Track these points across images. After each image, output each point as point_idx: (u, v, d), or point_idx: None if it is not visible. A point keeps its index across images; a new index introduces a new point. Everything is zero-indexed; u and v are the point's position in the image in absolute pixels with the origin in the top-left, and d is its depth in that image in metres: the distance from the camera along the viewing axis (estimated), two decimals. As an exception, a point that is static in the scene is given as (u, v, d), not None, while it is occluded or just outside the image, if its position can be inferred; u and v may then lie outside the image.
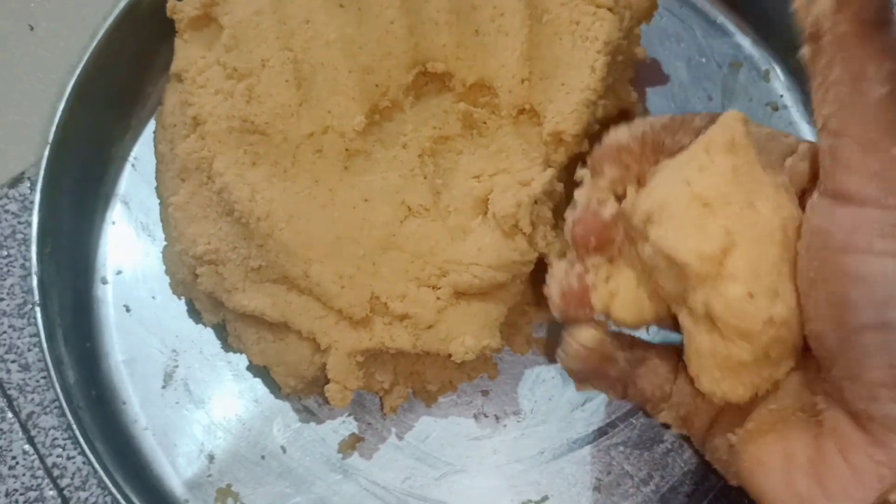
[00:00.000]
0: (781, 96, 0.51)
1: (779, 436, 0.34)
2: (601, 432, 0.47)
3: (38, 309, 0.44)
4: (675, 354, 0.38)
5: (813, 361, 0.33)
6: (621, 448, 0.47)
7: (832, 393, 0.32)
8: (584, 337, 0.37)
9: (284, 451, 0.46)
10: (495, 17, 0.41)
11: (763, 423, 0.35)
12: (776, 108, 0.51)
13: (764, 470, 0.34)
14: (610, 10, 0.40)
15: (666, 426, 0.40)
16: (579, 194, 0.37)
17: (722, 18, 0.52)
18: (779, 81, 0.52)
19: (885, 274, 0.29)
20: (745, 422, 0.35)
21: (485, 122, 0.42)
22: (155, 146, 0.47)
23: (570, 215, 0.37)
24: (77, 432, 0.43)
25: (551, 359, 0.47)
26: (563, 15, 0.41)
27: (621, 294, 0.36)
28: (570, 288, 0.36)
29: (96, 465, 0.43)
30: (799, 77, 0.51)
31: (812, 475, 0.32)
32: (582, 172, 0.38)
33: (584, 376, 0.39)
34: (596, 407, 0.47)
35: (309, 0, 0.41)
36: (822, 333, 0.31)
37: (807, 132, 0.51)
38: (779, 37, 0.51)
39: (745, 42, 0.52)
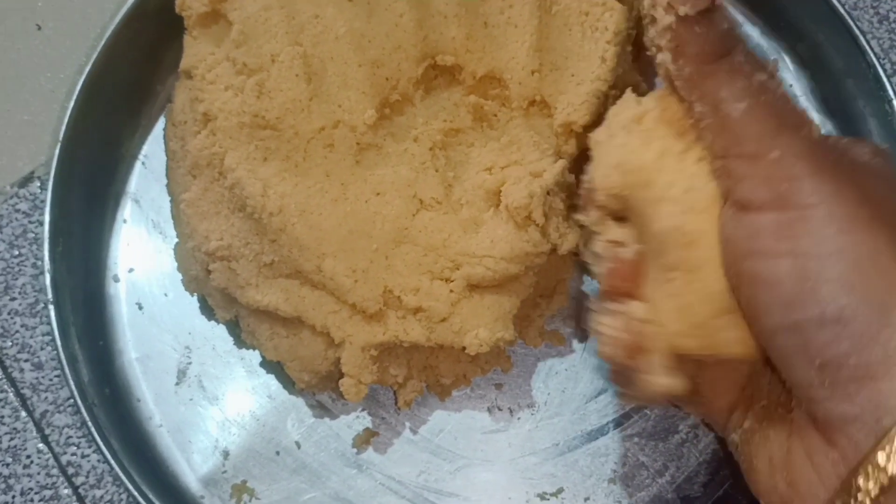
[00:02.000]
0: (791, 86, 0.51)
1: (763, 437, 0.34)
2: (616, 424, 0.47)
3: (51, 307, 0.44)
4: None
5: None
6: (636, 439, 0.47)
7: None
8: (660, 382, 0.35)
9: (299, 446, 0.46)
10: (504, 8, 0.41)
11: (755, 420, 0.35)
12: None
13: (755, 472, 0.35)
14: (619, 0, 0.40)
15: (686, 414, 0.40)
16: (598, 246, 0.37)
17: (730, 8, 0.52)
18: (788, 71, 0.52)
19: (786, 274, 0.30)
20: (744, 420, 0.36)
21: (495, 115, 0.42)
22: (165, 143, 0.47)
23: (596, 266, 0.37)
24: (93, 430, 0.43)
25: (565, 351, 0.47)
26: (573, 6, 0.41)
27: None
28: (627, 342, 0.35)
29: (112, 463, 0.43)
30: (807, 67, 0.51)
31: (786, 477, 0.32)
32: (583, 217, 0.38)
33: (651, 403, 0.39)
34: (610, 398, 0.47)
35: (317, -5, 0.41)
36: (756, 336, 0.32)
37: (816, 120, 0.51)
38: (787, 27, 0.51)
39: (754, 32, 0.52)
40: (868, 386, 0.29)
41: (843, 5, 0.48)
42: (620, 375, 0.36)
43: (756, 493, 0.35)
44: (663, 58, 0.33)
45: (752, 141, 0.31)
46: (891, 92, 0.47)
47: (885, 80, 0.47)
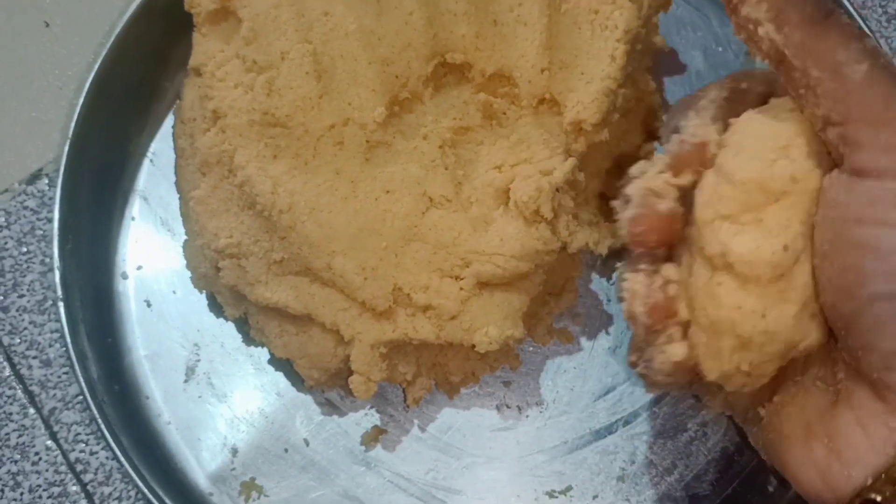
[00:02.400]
0: (799, 84, 0.51)
1: (798, 407, 0.34)
2: (624, 422, 0.47)
3: (60, 304, 0.44)
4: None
5: (830, 332, 0.33)
6: (645, 437, 0.47)
7: (850, 362, 0.32)
8: (674, 352, 0.35)
9: (307, 444, 0.46)
10: (514, 6, 0.41)
11: (787, 394, 0.35)
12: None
13: (786, 441, 0.34)
14: (630, -1, 0.41)
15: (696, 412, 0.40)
16: (632, 189, 0.35)
17: (738, 7, 0.52)
18: (796, 69, 0.51)
19: None
20: (773, 395, 0.35)
21: (505, 113, 0.42)
22: (174, 141, 0.47)
23: (622, 211, 0.35)
24: (102, 427, 0.43)
25: (573, 348, 0.47)
26: (582, 4, 0.41)
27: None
28: (656, 302, 0.35)
29: (121, 460, 0.43)
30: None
31: (828, 443, 0.32)
32: (641, 166, 0.36)
33: (668, 388, 0.38)
34: (619, 396, 0.47)
35: (327, -8, 0.41)
36: (835, 304, 0.32)
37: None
38: (795, 24, 0.51)
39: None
40: None
41: (851, 4, 0.48)
42: (641, 343, 0.36)
43: (784, 463, 0.34)
44: (765, 30, 0.32)
45: (878, 103, 0.30)
46: (900, 90, 0.47)
47: (894, 78, 0.47)
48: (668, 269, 0.35)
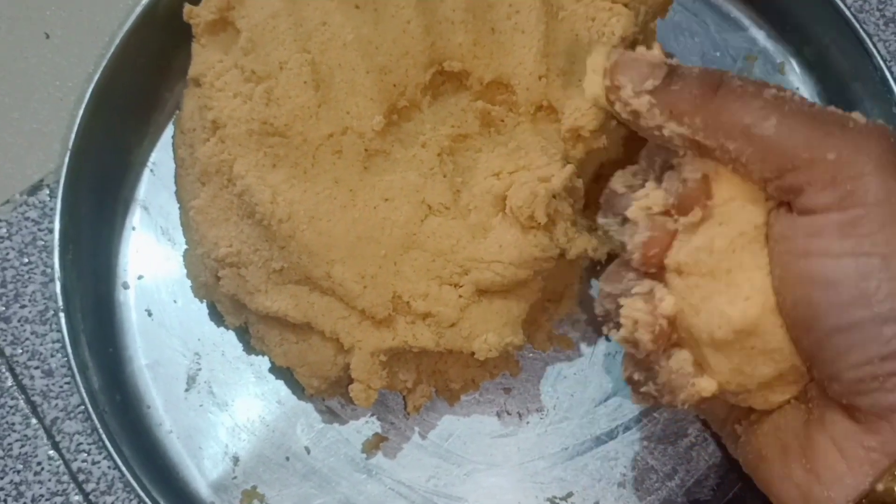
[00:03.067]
0: (797, 88, 0.51)
1: (773, 426, 0.34)
2: (625, 428, 0.47)
3: (62, 314, 0.44)
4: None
5: None
6: (645, 443, 0.47)
7: (819, 384, 0.33)
8: (704, 387, 0.35)
9: (308, 451, 0.46)
10: (511, 14, 0.41)
11: (762, 413, 0.35)
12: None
13: (764, 462, 0.34)
14: (625, 5, 0.41)
15: (695, 417, 0.40)
16: (635, 213, 0.35)
17: (736, 12, 0.53)
18: (794, 74, 0.52)
19: (847, 274, 0.30)
20: (749, 412, 0.36)
21: (502, 120, 0.42)
22: (174, 151, 0.47)
23: (629, 234, 0.36)
24: (104, 437, 0.43)
25: (573, 355, 0.47)
26: (579, 11, 0.41)
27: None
28: (662, 329, 0.35)
29: (123, 469, 0.43)
30: (814, 69, 0.52)
31: (806, 464, 0.32)
32: (622, 178, 0.37)
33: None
34: (619, 402, 0.47)
35: (325, 2, 0.41)
36: (797, 337, 0.32)
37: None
38: (793, 30, 0.51)
39: (760, 35, 0.52)
40: None
41: (849, 8, 0.48)
42: (638, 365, 0.36)
43: (765, 482, 0.34)
44: (669, 130, 0.33)
45: (802, 149, 0.31)
46: (898, 94, 0.47)
47: (891, 82, 0.47)
48: (661, 291, 0.35)
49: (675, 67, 0.33)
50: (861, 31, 0.48)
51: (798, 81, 0.52)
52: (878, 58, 0.47)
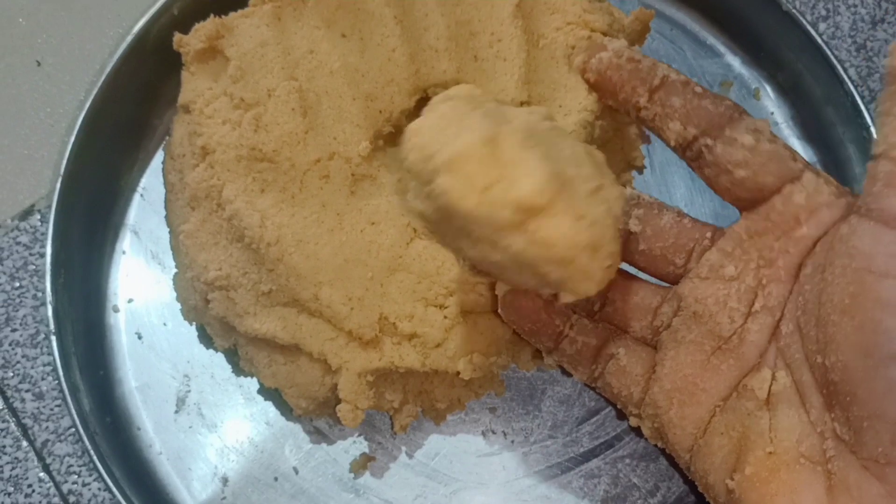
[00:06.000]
0: (772, 113, 0.53)
1: (785, 486, 0.32)
2: (607, 445, 0.47)
3: (53, 338, 0.45)
4: (650, 358, 0.38)
5: (818, 400, 0.32)
6: (628, 460, 0.47)
7: (844, 437, 0.30)
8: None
9: (297, 472, 0.47)
10: (493, 42, 0.42)
11: (762, 468, 0.32)
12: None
13: None
14: (604, 33, 0.42)
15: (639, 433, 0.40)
16: None
17: (712, 39, 0.54)
18: (769, 99, 0.53)
19: None
20: (741, 465, 0.33)
21: (486, 145, 0.43)
22: (164, 176, 0.48)
23: None
24: (95, 459, 0.43)
25: (557, 374, 0.48)
26: (559, 39, 0.42)
27: None
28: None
29: (114, 491, 0.43)
30: (787, 95, 0.53)
31: None
32: None
33: (527, 333, 0.39)
34: (602, 420, 0.48)
35: (312, 31, 0.42)
36: (847, 364, 0.29)
37: (797, 147, 0.52)
38: (768, 56, 0.53)
39: (735, 62, 0.54)
40: None
41: (820, 35, 0.49)
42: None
43: None
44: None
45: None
46: (868, 119, 0.48)
47: (862, 107, 0.48)
48: None
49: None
50: (832, 57, 0.49)
51: (773, 106, 0.53)
52: (849, 83, 0.49)
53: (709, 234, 0.36)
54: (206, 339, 0.48)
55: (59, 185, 0.46)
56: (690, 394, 0.35)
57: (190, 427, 0.47)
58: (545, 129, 0.32)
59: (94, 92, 0.47)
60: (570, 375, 0.47)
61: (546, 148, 0.30)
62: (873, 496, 0.29)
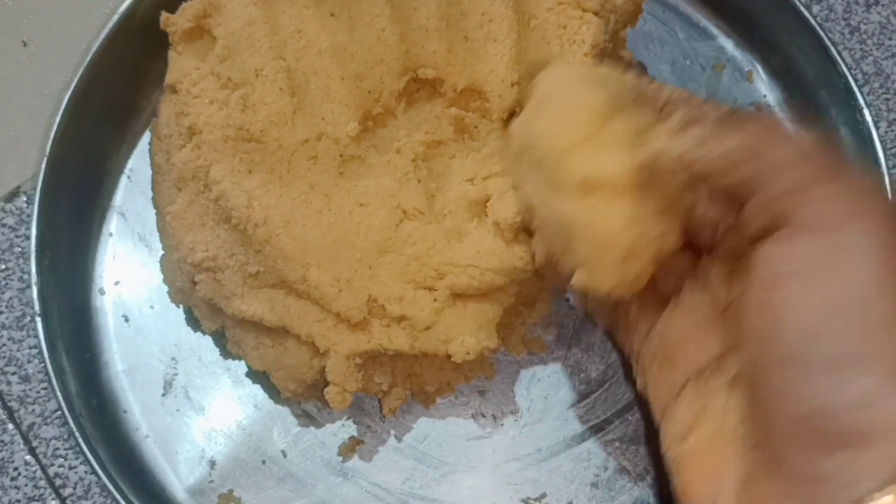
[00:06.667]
0: (765, 96, 0.52)
1: (711, 467, 0.32)
2: (597, 429, 0.47)
3: (38, 320, 0.45)
4: (656, 312, 0.38)
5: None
6: (617, 444, 0.47)
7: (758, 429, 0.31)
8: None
9: (285, 455, 0.47)
10: (484, 23, 0.42)
11: (700, 445, 0.33)
12: (759, 108, 0.52)
13: (693, 495, 0.33)
14: (595, 13, 0.41)
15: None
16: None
17: (705, 21, 0.54)
18: (762, 82, 0.53)
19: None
20: (685, 439, 0.34)
21: (476, 126, 0.43)
22: (150, 157, 0.48)
23: None
24: (80, 441, 0.43)
25: (548, 357, 0.48)
26: (550, 19, 0.41)
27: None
28: None
29: (100, 474, 0.43)
30: (781, 78, 0.53)
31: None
32: None
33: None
34: (591, 404, 0.48)
35: (300, 10, 0.42)
36: (753, 361, 0.31)
37: (790, 130, 0.52)
38: (761, 39, 0.52)
39: (728, 44, 0.53)
40: (855, 447, 0.26)
41: (814, 18, 0.49)
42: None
43: None
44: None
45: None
46: (861, 101, 0.48)
47: (856, 89, 0.48)
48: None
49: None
50: (826, 39, 0.49)
51: (766, 89, 0.53)
52: (843, 66, 0.48)
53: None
54: (193, 322, 0.47)
55: (44, 167, 0.46)
56: (671, 358, 0.36)
57: (177, 410, 0.47)
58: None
59: (81, 72, 0.47)
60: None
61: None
62: (775, 491, 0.29)
